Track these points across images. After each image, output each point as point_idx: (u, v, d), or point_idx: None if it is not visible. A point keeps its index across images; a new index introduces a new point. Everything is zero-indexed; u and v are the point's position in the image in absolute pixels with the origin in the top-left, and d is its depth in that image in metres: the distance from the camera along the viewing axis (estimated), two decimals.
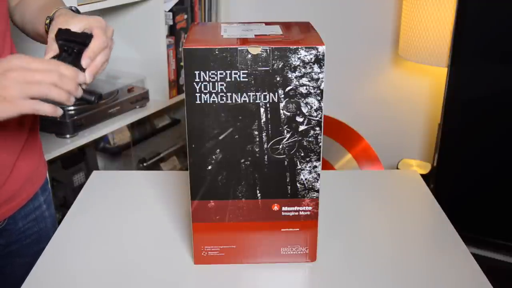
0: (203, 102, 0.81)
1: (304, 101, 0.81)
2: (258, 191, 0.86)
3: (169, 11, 1.99)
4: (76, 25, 0.84)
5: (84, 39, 0.82)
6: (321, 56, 0.79)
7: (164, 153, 2.27)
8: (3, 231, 1.01)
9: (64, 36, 0.81)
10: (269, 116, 0.82)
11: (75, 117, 1.65)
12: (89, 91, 0.82)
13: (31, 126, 1.02)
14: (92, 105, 0.82)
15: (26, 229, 1.05)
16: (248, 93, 0.80)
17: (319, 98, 0.81)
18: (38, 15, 0.97)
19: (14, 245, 1.04)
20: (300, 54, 0.78)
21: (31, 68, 0.73)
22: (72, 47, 0.81)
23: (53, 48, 0.82)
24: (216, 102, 0.81)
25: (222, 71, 0.79)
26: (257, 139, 0.83)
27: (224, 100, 0.81)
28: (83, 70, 0.81)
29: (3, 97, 0.73)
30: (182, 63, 1.10)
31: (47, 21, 0.92)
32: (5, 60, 0.73)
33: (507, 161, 1.77)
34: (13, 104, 0.73)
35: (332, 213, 1.05)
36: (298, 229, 0.89)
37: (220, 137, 0.83)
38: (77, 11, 0.92)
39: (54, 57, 0.80)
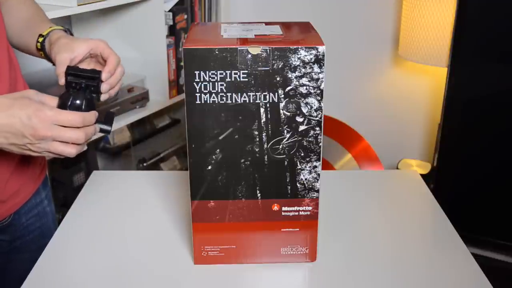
0: (203, 102, 0.81)
1: (304, 101, 0.81)
2: (258, 191, 0.86)
3: (169, 11, 1.99)
4: (81, 48, 0.87)
5: (93, 74, 0.84)
6: (321, 56, 0.79)
7: (164, 153, 2.26)
8: (9, 226, 1.02)
9: (73, 71, 0.84)
10: (269, 116, 0.82)
11: None
12: (104, 120, 0.86)
13: None
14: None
15: (29, 224, 1.06)
16: (248, 93, 0.80)
17: (319, 98, 0.81)
18: (25, 29, 0.98)
19: (18, 240, 1.05)
20: (300, 54, 0.78)
21: (64, 138, 0.77)
22: (80, 82, 0.83)
23: (62, 81, 0.85)
24: (216, 102, 0.81)
25: (222, 71, 0.79)
26: (257, 139, 0.83)
27: (224, 100, 0.81)
28: (94, 100, 0.85)
29: (32, 152, 0.78)
30: (182, 63, 1.10)
31: (40, 39, 0.93)
32: (40, 126, 0.76)
33: (507, 161, 1.76)
34: (38, 154, 0.79)
35: (332, 213, 1.05)
36: (298, 229, 0.89)
37: (220, 137, 0.83)
38: (70, 33, 0.94)
39: (63, 95, 0.83)
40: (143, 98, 1.91)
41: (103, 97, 0.89)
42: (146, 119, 2.14)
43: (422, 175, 1.23)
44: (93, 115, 0.82)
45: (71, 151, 0.79)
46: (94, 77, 0.84)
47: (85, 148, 0.83)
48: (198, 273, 0.90)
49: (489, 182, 1.82)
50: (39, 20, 0.99)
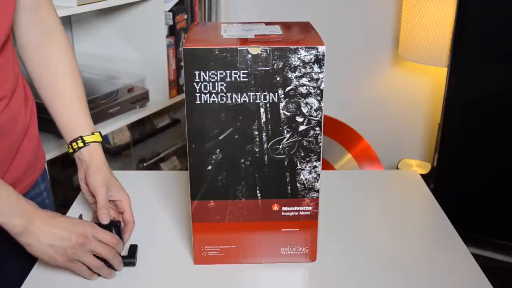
0: (203, 102, 0.81)
1: (304, 101, 0.81)
2: (258, 191, 0.86)
3: (169, 11, 1.99)
4: (114, 196, 0.98)
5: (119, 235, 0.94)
6: (321, 56, 0.79)
7: (164, 153, 2.26)
8: None
9: (114, 224, 0.94)
10: (269, 116, 0.82)
11: None
12: (128, 254, 0.93)
13: (31, 114, 1.03)
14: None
15: None
16: (248, 93, 0.80)
17: (319, 98, 0.81)
18: (53, 103, 1.02)
19: None
20: (300, 54, 0.78)
21: (99, 249, 0.86)
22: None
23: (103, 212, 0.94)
24: (216, 102, 0.81)
25: (222, 71, 0.79)
26: (257, 139, 0.83)
27: (224, 100, 0.81)
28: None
29: (66, 258, 0.84)
30: (182, 63, 1.10)
31: (80, 143, 1.00)
32: (86, 234, 0.86)
33: (507, 161, 1.76)
34: (69, 263, 0.85)
35: (332, 213, 1.05)
36: (298, 229, 0.89)
37: (220, 137, 0.83)
38: (102, 138, 1.04)
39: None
40: (143, 98, 1.91)
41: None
42: (146, 119, 2.14)
43: (422, 175, 1.24)
44: (122, 245, 0.91)
45: (98, 265, 0.87)
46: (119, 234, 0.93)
47: (111, 277, 0.89)
48: (198, 273, 0.90)
49: (489, 182, 1.82)
50: (76, 101, 1.03)
